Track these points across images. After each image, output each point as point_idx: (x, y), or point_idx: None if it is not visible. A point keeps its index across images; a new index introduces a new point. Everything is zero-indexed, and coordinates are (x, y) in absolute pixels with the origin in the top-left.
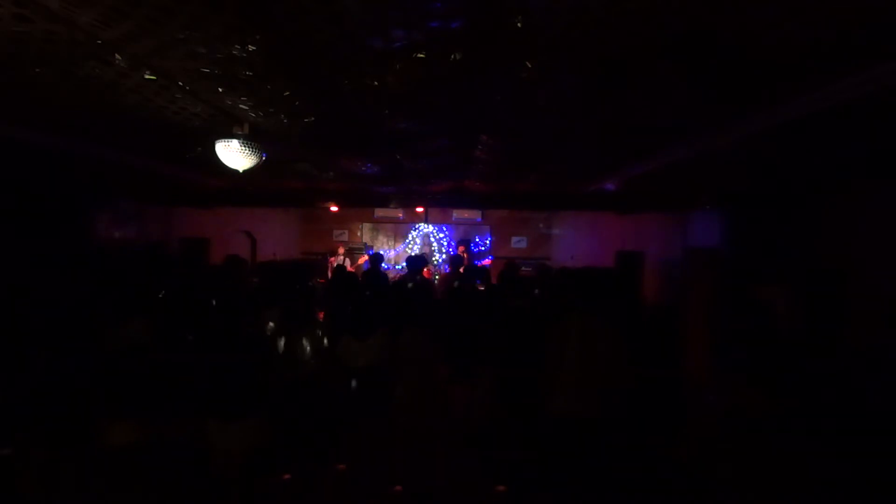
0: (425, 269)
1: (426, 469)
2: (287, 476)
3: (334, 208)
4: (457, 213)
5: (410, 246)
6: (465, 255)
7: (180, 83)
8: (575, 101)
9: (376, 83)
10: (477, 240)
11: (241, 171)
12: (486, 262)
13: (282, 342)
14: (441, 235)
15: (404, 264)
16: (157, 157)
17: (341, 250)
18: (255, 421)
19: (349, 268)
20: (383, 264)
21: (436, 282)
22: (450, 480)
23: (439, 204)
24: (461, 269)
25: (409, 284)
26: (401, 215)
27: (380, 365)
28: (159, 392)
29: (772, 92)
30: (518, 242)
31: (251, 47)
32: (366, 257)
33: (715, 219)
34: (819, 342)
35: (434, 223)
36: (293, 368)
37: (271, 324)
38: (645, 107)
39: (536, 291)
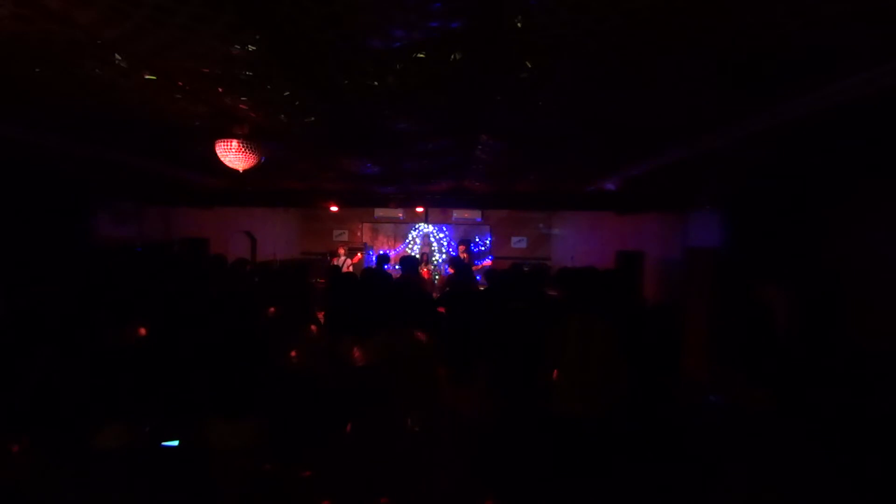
0: (424, 270)
1: (426, 468)
2: (287, 474)
3: (334, 208)
4: (457, 213)
5: (410, 246)
6: (466, 256)
7: (180, 83)
8: (575, 101)
9: (376, 83)
10: (477, 240)
11: (241, 171)
12: (487, 262)
13: (282, 342)
14: (441, 235)
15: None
16: (157, 157)
17: (342, 251)
18: (254, 421)
19: (349, 267)
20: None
21: (436, 282)
22: (449, 480)
23: (439, 204)
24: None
25: (402, 284)
26: (401, 215)
27: (381, 365)
28: (158, 393)
29: (772, 92)
30: (518, 242)
31: (251, 47)
32: (360, 255)
33: (715, 219)
34: (819, 342)
35: (434, 223)
36: (293, 368)
37: (271, 323)
38: (645, 107)
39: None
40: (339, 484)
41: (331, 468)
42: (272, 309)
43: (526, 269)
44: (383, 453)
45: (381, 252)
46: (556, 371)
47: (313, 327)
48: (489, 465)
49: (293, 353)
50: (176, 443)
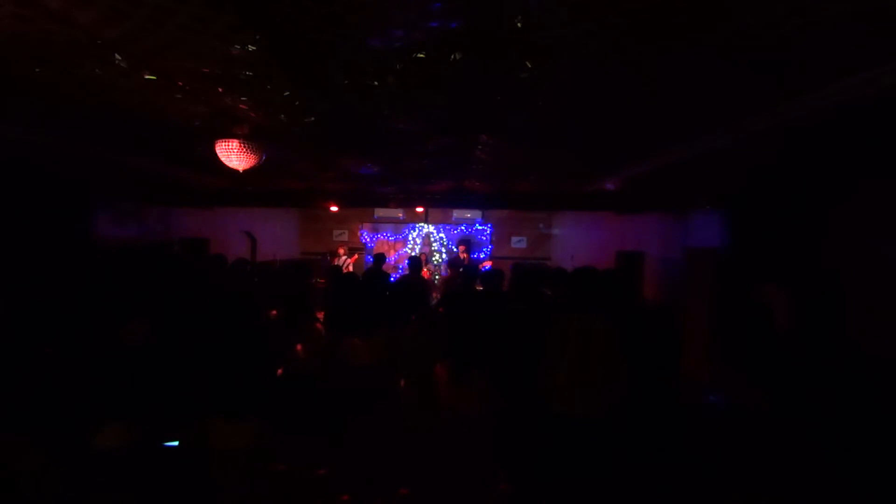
0: (424, 270)
1: (426, 468)
2: (287, 471)
3: (334, 208)
4: (457, 213)
5: (411, 246)
6: (466, 256)
7: (180, 83)
8: (575, 101)
9: (376, 83)
10: (478, 226)
11: (241, 171)
12: (487, 262)
13: (282, 342)
14: (441, 235)
15: (406, 264)
16: (157, 157)
17: (342, 251)
18: (255, 421)
19: (349, 267)
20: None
21: (436, 282)
22: (450, 479)
23: (439, 204)
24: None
25: (408, 284)
26: (401, 215)
27: (381, 364)
28: (158, 393)
29: (772, 92)
30: (518, 242)
31: (251, 47)
32: (357, 255)
33: (715, 219)
34: (819, 342)
35: (434, 223)
36: (294, 368)
37: (272, 324)
38: (645, 107)
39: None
40: (354, 480)
41: (334, 466)
42: (274, 312)
43: (525, 268)
44: (384, 450)
45: (380, 252)
46: (555, 371)
47: (315, 327)
48: (489, 465)
49: (294, 354)
50: (176, 443)
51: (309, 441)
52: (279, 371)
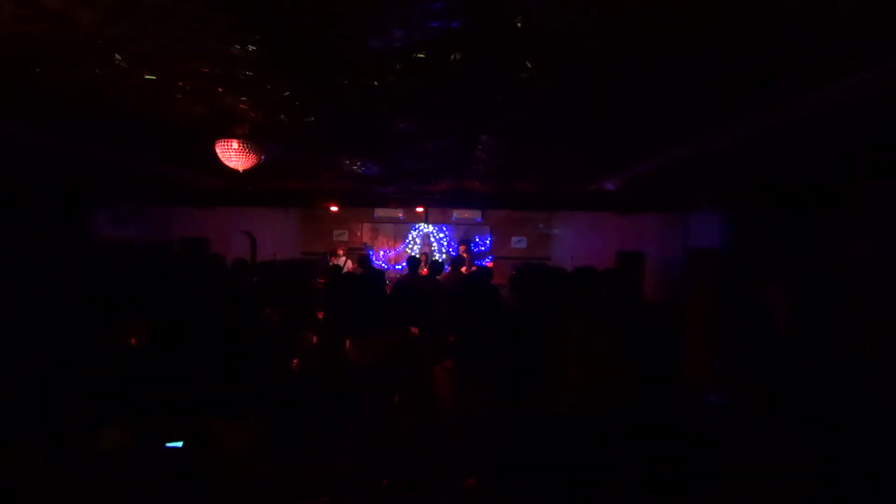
0: (424, 270)
1: (426, 466)
2: (287, 471)
3: (334, 208)
4: (457, 213)
5: (410, 246)
6: (466, 256)
7: (180, 83)
8: (575, 102)
9: (376, 83)
10: (477, 240)
11: (241, 171)
12: (488, 262)
13: (282, 341)
14: (441, 235)
15: (405, 264)
16: (157, 157)
17: (341, 251)
18: (255, 421)
19: (349, 268)
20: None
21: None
22: (450, 478)
23: (439, 204)
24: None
25: (406, 283)
26: (401, 215)
27: (382, 363)
28: (158, 393)
29: (772, 92)
30: (518, 242)
31: (251, 47)
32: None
33: (715, 219)
34: (819, 342)
35: (434, 223)
36: (294, 367)
37: (272, 323)
38: (645, 106)
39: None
40: (354, 480)
41: (333, 466)
42: (276, 318)
43: (528, 268)
44: (384, 451)
45: (363, 253)
46: (555, 371)
47: (314, 328)
48: (489, 465)
49: (295, 353)
50: (179, 444)
51: (307, 441)
52: (294, 363)
